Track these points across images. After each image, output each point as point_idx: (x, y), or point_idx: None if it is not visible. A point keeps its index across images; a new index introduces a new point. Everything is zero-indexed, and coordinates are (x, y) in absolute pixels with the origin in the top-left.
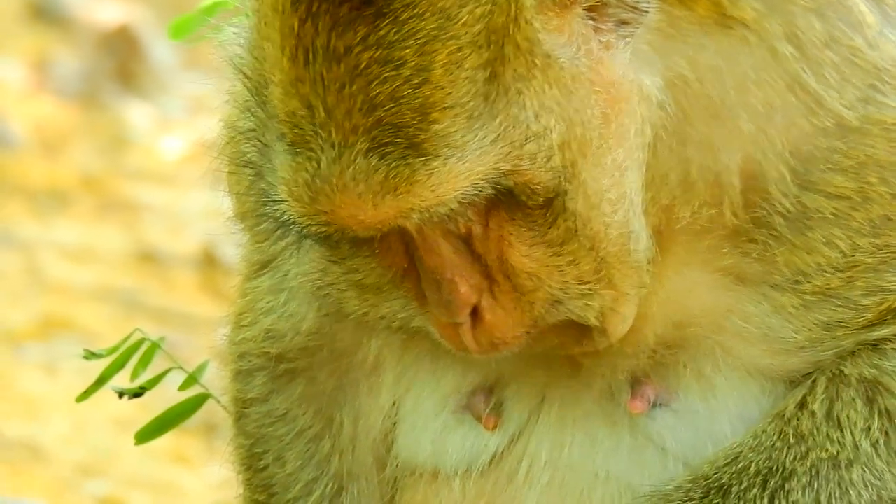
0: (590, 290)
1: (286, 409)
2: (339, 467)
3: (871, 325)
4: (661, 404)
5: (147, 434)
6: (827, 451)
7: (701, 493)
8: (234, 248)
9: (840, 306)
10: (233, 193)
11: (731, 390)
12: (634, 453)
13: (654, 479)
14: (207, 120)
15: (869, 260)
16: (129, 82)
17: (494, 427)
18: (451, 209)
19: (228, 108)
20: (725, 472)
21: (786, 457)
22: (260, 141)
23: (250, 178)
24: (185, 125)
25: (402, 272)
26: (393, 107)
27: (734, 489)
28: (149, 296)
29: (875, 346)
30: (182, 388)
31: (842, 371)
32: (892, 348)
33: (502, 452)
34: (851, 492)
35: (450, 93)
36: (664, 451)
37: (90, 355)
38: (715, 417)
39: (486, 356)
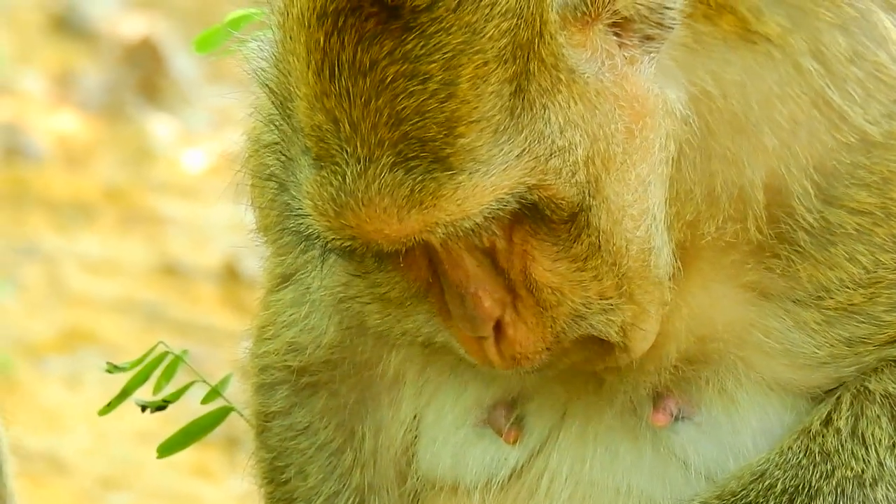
0: (612, 305)
1: (308, 422)
2: (360, 480)
3: (893, 342)
4: (683, 417)
5: (169, 447)
6: (852, 469)
7: None
8: (256, 261)
9: (862, 322)
10: (256, 206)
11: (754, 405)
12: (656, 467)
13: (676, 494)
14: (231, 133)
15: (891, 276)
16: (153, 95)
17: (515, 441)
18: (476, 223)
19: (252, 121)
20: (752, 489)
21: (812, 475)
22: (284, 155)
23: (273, 191)
24: (208, 138)
25: (426, 286)
26: (419, 121)
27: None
28: (171, 309)
29: None
30: (205, 401)
31: (866, 387)
32: None
33: (523, 467)
34: None
35: (476, 107)
36: (686, 465)
37: (113, 368)
38: (737, 431)
39: (508, 370)
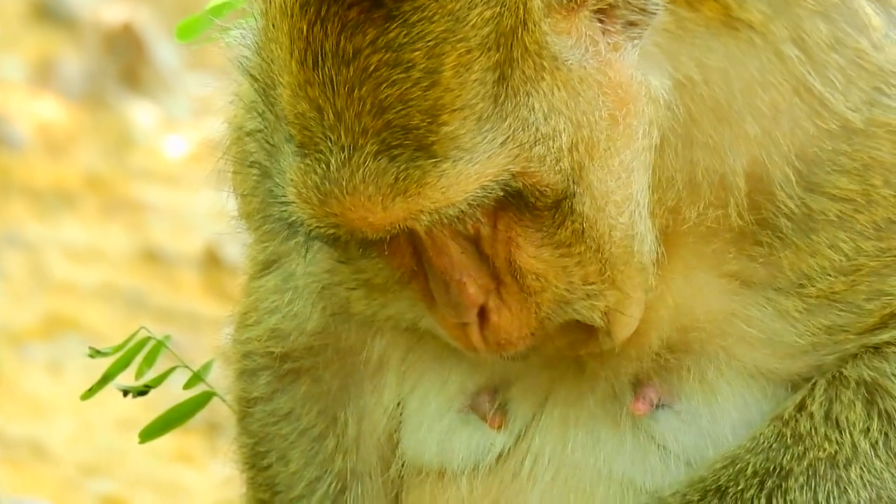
0: (596, 290)
1: (290, 408)
2: (342, 466)
3: (874, 330)
4: (663, 405)
5: (151, 433)
6: (825, 450)
7: (698, 496)
8: (238, 247)
9: (843, 310)
10: (238, 194)
11: (734, 393)
12: (637, 453)
13: (657, 479)
14: (212, 120)
15: (872, 263)
16: (134, 83)
17: (500, 426)
18: (461, 211)
19: (233, 108)
20: (723, 474)
21: (783, 457)
22: (268, 142)
23: (255, 178)
24: (189, 125)
25: (410, 273)
26: (402, 109)
27: (731, 490)
28: (153, 295)
29: (876, 349)
30: (186, 386)
31: (841, 373)
32: (893, 352)
33: (508, 451)
34: (850, 491)
35: (459, 95)
36: (666, 451)
37: (95, 354)
38: (717, 420)
39: (493, 356)
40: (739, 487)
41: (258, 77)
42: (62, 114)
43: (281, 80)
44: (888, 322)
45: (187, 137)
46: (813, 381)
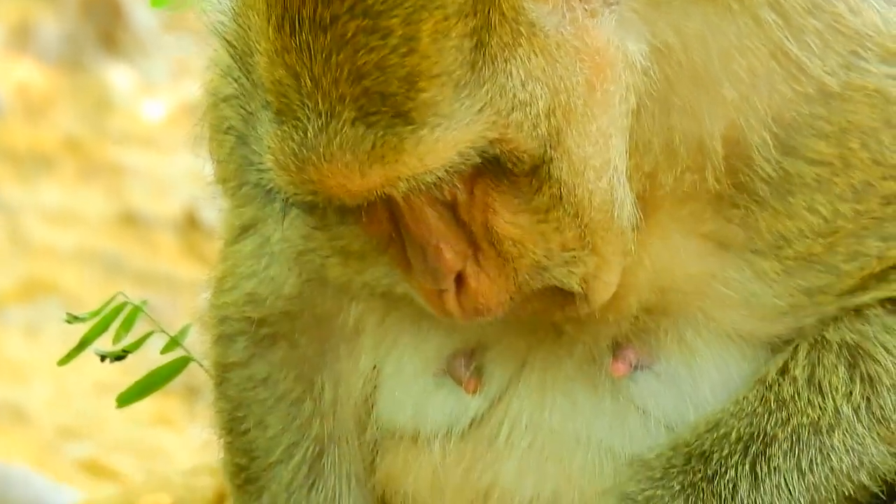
0: (574, 256)
1: (267, 373)
2: (319, 431)
3: (853, 291)
4: (642, 367)
5: (129, 397)
6: (808, 416)
7: (682, 460)
8: (216, 211)
9: (822, 272)
10: (214, 159)
11: (713, 355)
12: (616, 417)
13: (636, 442)
14: (190, 83)
15: (850, 226)
16: (112, 46)
17: (475, 391)
18: (438, 177)
19: (210, 74)
20: (707, 438)
21: (767, 422)
22: (244, 108)
23: (232, 144)
24: (167, 89)
25: (387, 239)
26: (380, 76)
27: (715, 455)
28: (131, 259)
29: (857, 311)
30: (164, 351)
31: (824, 337)
32: (875, 314)
33: (483, 416)
34: (833, 457)
35: (436, 62)
36: (646, 414)
37: (72, 319)
38: (696, 382)
39: (469, 322)
40: (724, 453)
41: (235, 44)
42: (40, 77)
43: (258, 46)
44: (867, 284)
45: (166, 100)
46: (795, 344)
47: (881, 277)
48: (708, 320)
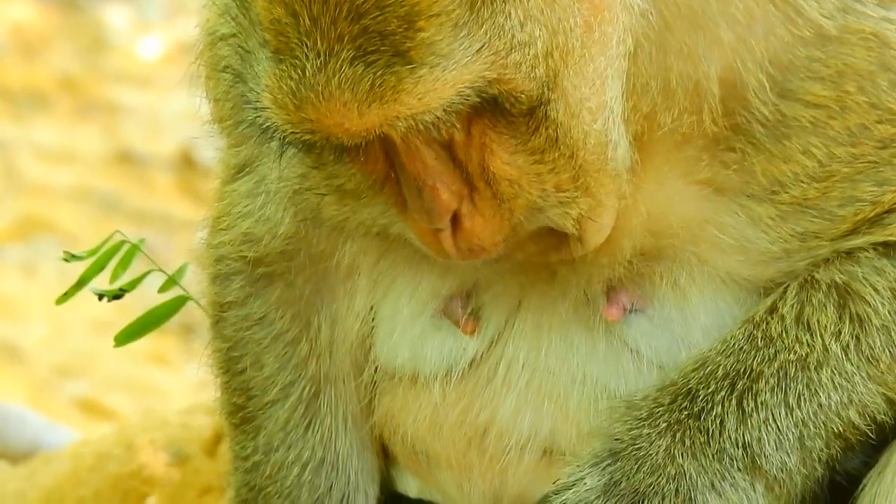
0: (568, 197)
1: (264, 312)
2: (316, 371)
3: (846, 235)
4: (636, 311)
5: (126, 336)
6: (796, 352)
7: (669, 399)
8: (213, 149)
9: (816, 217)
10: (211, 98)
11: (706, 299)
12: (610, 358)
13: (630, 383)
14: (186, 22)
15: (845, 170)
16: None
17: (472, 332)
18: (436, 117)
19: (207, 12)
20: (693, 376)
21: (754, 359)
22: (241, 47)
23: (228, 83)
24: (163, 27)
25: (384, 178)
26: (379, 15)
27: (702, 392)
28: (128, 197)
29: (848, 253)
30: (161, 290)
31: (813, 277)
32: (866, 256)
33: (481, 356)
34: (821, 393)
35: (435, 1)
36: (639, 356)
37: (69, 257)
38: (689, 325)
39: (464, 262)
40: (710, 390)
41: None
42: (35, 16)
43: None
44: (860, 228)
45: (162, 39)
46: (785, 285)
47: (875, 221)
48: (702, 265)
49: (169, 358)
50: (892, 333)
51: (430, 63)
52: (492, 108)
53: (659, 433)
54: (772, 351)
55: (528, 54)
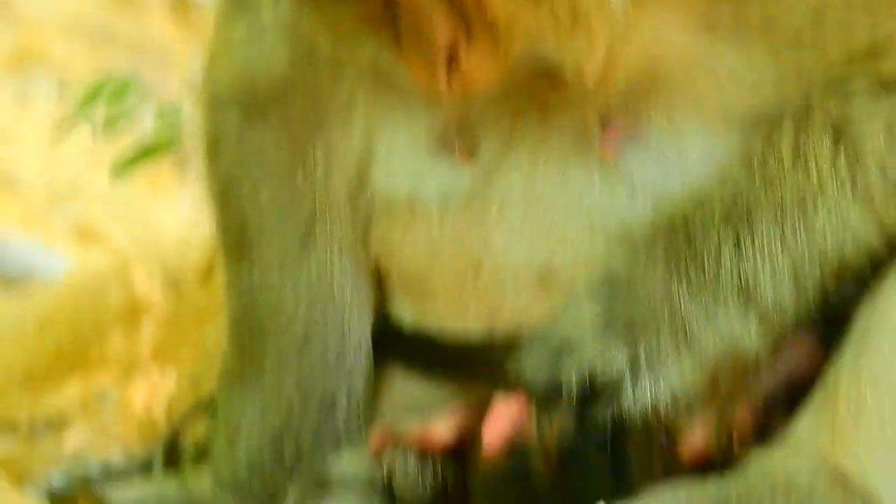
0: (563, 31)
1: (259, 147)
2: (311, 203)
3: (840, 72)
4: (632, 143)
5: (122, 167)
6: (792, 188)
7: (665, 231)
8: None
9: (809, 53)
10: None
11: (700, 132)
12: (605, 190)
13: (624, 213)
14: None
15: (838, 3)
16: None
17: (470, 156)
18: None
19: None
20: (690, 210)
21: (750, 192)
22: None
23: None
24: None
25: (380, 14)
26: None
27: (699, 226)
28: (122, 30)
29: (844, 96)
30: (157, 122)
31: (810, 116)
32: (861, 101)
33: (477, 188)
34: (816, 229)
35: None
36: (633, 187)
37: (64, 89)
38: (683, 157)
39: (459, 97)
40: (707, 223)
41: None
42: None
43: None
44: (854, 65)
45: None
46: (781, 122)
47: (868, 53)
48: (696, 99)
49: (164, 191)
50: (887, 171)
51: None
52: None
53: (655, 264)
54: (768, 186)
55: None
